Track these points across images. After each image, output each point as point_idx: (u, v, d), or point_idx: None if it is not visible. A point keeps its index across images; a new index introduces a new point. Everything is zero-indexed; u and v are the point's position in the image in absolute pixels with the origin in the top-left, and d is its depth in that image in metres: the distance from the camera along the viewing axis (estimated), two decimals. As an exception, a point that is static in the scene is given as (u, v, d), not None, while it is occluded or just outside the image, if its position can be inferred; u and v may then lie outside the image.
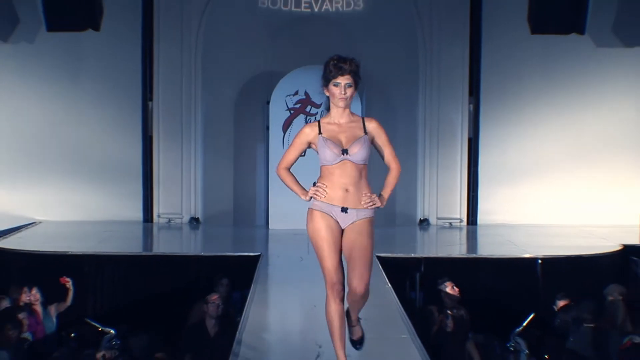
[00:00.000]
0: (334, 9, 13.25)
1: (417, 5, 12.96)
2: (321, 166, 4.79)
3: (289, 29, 13.19)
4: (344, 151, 4.67)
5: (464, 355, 8.76)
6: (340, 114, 4.78)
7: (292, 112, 12.76)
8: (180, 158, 13.11)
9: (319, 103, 12.46)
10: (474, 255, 11.17)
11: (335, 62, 4.71)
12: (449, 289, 9.30)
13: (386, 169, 4.81)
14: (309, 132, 4.83)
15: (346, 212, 4.72)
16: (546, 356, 8.26)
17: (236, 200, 13.56)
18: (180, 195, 13.12)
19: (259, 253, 10.39)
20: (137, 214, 13.10)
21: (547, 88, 13.08)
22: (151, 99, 13.07)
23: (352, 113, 4.83)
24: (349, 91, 4.71)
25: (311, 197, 4.78)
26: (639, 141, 13.06)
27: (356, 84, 4.75)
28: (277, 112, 12.78)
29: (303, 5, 13.26)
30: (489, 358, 8.88)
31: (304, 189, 4.84)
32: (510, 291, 10.10)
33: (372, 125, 4.79)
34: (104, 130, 13.02)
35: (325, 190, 4.72)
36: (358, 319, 5.27)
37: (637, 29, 12.98)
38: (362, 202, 4.71)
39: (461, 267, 10.30)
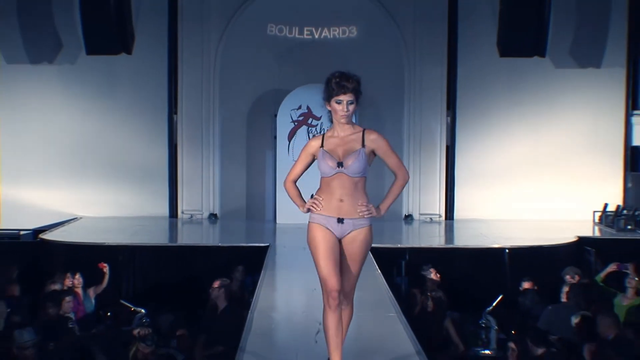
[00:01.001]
0: (331, 36, 13.29)
1: (403, 33, 12.98)
2: (320, 177, 4.43)
3: (293, 53, 13.21)
4: (339, 164, 4.30)
5: (443, 330, 8.76)
6: (342, 127, 4.41)
7: (295, 123, 12.77)
8: (201, 163, 13.12)
9: (318, 116, 12.52)
10: (451, 246, 11.18)
11: (337, 80, 4.34)
12: (431, 274, 9.33)
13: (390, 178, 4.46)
14: (314, 145, 4.44)
15: (342, 222, 4.35)
16: (512, 331, 8.25)
17: (248, 199, 13.57)
18: (200, 195, 13.13)
19: (268, 244, 10.44)
20: (164, 210, 13.10)
21: (513, 103, 13.09)
22: (176, 113, 13.08)
23: (354, 125, 4.45)
24: (351, 108, 4.34)
25: (308, 209, 4.42)
26: (591, 149, 13.04)
27: (357, 99, 4.38)
28: (283, 124, 12.79)
29: (305, 33, 13.29)
30: (464, 333, 8.88)
31: (304, 201, 4.47)
32: (482, 276, 10.11)
33: (371, 138, 4.37)
34: (136, 139, 13.03)
35: (320, 204, 4.35)
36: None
37: (590, 53, 13.00)
38: (358, 211, 4.32)
39: (440, 255, 10.29)
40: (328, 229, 4.36)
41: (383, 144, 4.37)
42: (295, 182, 4.55)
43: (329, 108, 4.42)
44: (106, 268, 9.30)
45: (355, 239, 4.37)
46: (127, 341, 7.30)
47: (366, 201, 4.34)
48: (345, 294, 4.44)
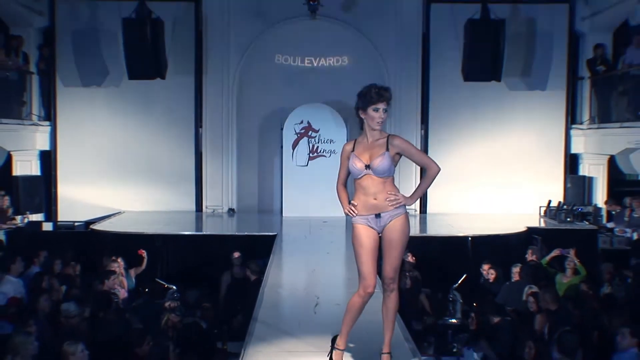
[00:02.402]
0: (327, 64, 13.25)
1: (385, 62, 12.95)
2: (354, 180, 4.14)
3: (296, 78, 13.19)
4: (367, 166, 4.04)
5: (418, 304, 8.78)
6: (371, 134, 4.09)
7: (298, 135, 12.76)
8: (221, 167, 13.09)
9: (317, 129, 12.55)
10: (425, 234, 11.12)
11: (377, 89, 4.03)
12: (408, 258, 9.33)
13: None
14: (347, 149, 4.16)
15: (379, 217, 4.07)
16: (474, 304, 8.26)
17: (260, 196, 13.53)
18: (221, 193, 13.09)
19: (276, 233, 10.41)
20: (191, 205, 13.05)
21: (474, 119, 13.08)
22: (201, 126, 13.06)
23: (381, 132, 4.12)
24: (385, 116, 4.04)
25: (347, 214, 4.12)
26: (538, 155, 13.00)
27: (388, 111, 4.10)
28: (288, 136, 12.78)
29: (306, 62, 13.26)
30: (435, 306, 8.90)
31: (348, 204, 4.15)
32: (450, 259, 10.12)
33: (395, 143, 4.08)
34: (168, 148, 13.00)
35: (356, 209, 4.08)
36: (390, 350, 4.26)
37: (536, 78, 13.01)
38: (388, 202, 4.06)
39: (416, 243, 10.25)
40: (370, 227, 4.11)
41: (406, 146, 4.11)
42: (344, 185, 4.24)
43: (362, 116, 4.11)
44: (144, 253, 9.30)
45: (394, 227, 4.10)
46: (159, 312, 7.31)
47: (395, 192, 4.10)
48: (390, 280, 4.14)
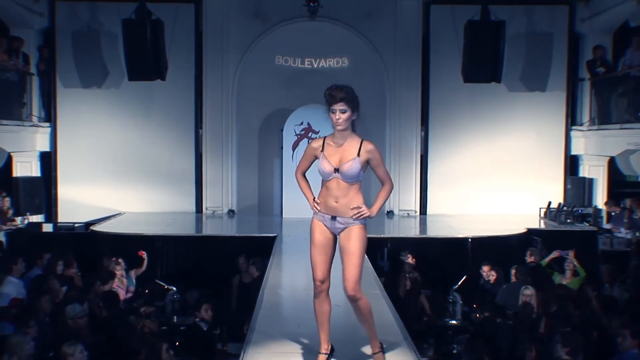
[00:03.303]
0: (327, 65, 13.29)
1: (385, 63, 12.99)
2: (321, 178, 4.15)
3: (296, 79, 13.21)
4: (336, 169, 3.99)
5: (418, 304, 8.78)
6: (340, 135, 4.02)
7: (298, 136, 12.79)
8: (221, 168, 13.09)
9: (317, 130, 12.55)
10: (424, 236, 11.16)
11: (329, 91, 3.97)
12: (408, 259, 9.34)
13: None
14: (315, 146, 4.12)
15: (335, 220, 4.06)
16: (474, 305, 8.28)
17: (260, 197, 13.56)
18: (221, 194, 13.09)
19: (276, 234, 10.45)
20: (191, 207, 13.06)
21: (475, 120, 13.11)
22: (201, 127, 13.07)
23: (353, 135, 4.05)
24: (343, 116, 3.94)
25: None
26: (538, 156, 13.04)
27: (352, 108, 3.97)
28: (288, 137, 12.81)
29: (306, 62, 13.30)
30: (435, 307, 8.89)
31: (313, 195, 4.21)
32: (450, 260, 10.13)
33: (367, 149, 3.99)
34: (168, 149, 13.01)
35: (318, 206, 4.11)
36: (380, 346, 4.29)
37: (536, 79, 13.04)
38: (351, 214, 4.01)
39: (416, 244, 10.29)
40: (325, 225, 4.13)
41: (377, 156, 4.04)
42: (303, 174, 4.27)
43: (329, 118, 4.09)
44: (144, 255, 9.29)
45: (348, 236, 4.07)
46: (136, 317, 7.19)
47: (361, 202, 4.04)
48: (351, 292, 4.05)
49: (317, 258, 4.14)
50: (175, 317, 8.10)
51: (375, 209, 4.09)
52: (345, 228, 4.10)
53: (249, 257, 9.11)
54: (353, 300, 4.10)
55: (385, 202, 4.18)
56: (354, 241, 4.06)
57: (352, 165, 3.98)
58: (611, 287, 8.14)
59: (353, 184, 4.04)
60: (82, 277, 8.54)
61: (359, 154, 3.99)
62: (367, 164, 4.05)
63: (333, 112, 3.98)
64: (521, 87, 13.03)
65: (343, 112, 3.96)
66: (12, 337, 5.36)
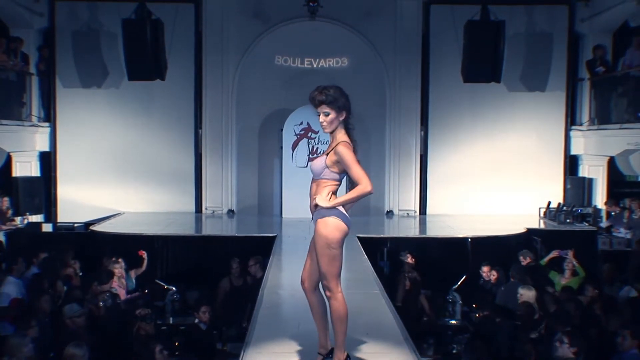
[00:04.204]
0: (327, 65, 13.30)
1: (385, 63, 12.99)
2: None
3: (296, 79, 13.20)
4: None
5: (417, 304, 8.79)
6: (330, 136, 3.97)
7: (298, 136, 12.78)
8: (221, 168, 13.10)
9: (316, 130, 12.54)
10: (424, 236, 11.17)
11: (311, 94, 3.94)
12: (408, 259, 9.34)
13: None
14: None
15: (312, 218, 3.98)
16: (474, 305, 8.28)
17: (260, 197, 13.56)
18: (221, 194, 13.10)
19: (276, 234, 10.43)
20: (191, 207, 13.06)
21: (474, 120, 13.12)
22: (200, 127, 13.07)
23: (341, 135, 3.92)
24: (327, 119, 3.86)
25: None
26: (537, 156, 13.05)
27: (336, 109, 3.86)
28: (288, 137, 12.80)
29: (306, 62, 13.31)
30: (435, 307, 8.90)
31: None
32: (449, 260, 10.12)
33: (337, 149, 3.83)
34: (168, 149, 13.01)
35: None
36: (321, 354, 4.17)
37: (536, 79, 13.04)
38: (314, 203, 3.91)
39: (415, 244, 10.29)
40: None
41: (344, 157, 3.79)
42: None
43: None
44: (144, 255, 9.29)
45: (315, 230, 3.96)
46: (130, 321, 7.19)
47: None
48: (324, 287, 3.97)
49: (306, 260, 4.12)
50: (174, 318, 8.09)
51: (335, 201, 3.85)
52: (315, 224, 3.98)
53: (243, 260, 9.09)
54: (327, 298, 4.01)
55: (352, 200, 3.83)
56: (316, 235, 3.93)
57: (316, 162, 3.92)
58: (611, 286, 8.14)
59: (320, 181, 3.91)
60: (81, 277, 8.54)
61: (327, 153, 3.91)
62: (337, 164, 3.87)
63: (318, 115, 3.94)
64: (521, 87, 13.03)
65: (326, 114, 3.89)
66: (11, 338, 5.36)
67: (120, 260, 8.70)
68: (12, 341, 5.29)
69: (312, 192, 3.97)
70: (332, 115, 3.88)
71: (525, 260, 9.21)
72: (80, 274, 8.60)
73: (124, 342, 6.06)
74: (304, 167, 12.65)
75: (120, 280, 8.45)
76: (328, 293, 3.95)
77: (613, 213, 11.39)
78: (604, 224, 11.20)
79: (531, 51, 12.94)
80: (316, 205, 3.89)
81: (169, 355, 6.06)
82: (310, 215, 4.01)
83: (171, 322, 8.01)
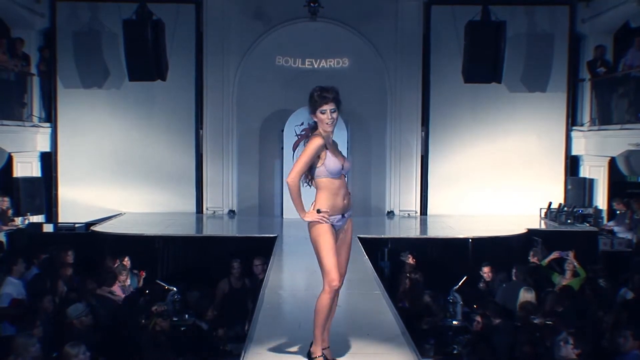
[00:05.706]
0: (328, 66, 13.30)
1: (385, 64, 13.00)
2: (319, 179, 4.07)
3: (297, 80, 13.17)
4: (342, 167, 4.02)
5: (418, 305, 8.76)
6: (328, 135, 4.05)
7: (298, 137, 12.58)
8: (222, 168, 13.11)
9: (317, 131, 12.49)
10: (425, 236, 11.16)
11: (319, 92, 4.00)
12: (409, 259, 9.34)
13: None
14: (322, 145, 4.07)
15: (344, 217, 4.12)
16: (474, 305, 8.27)
17: (260, 198, 13.56)
18: (221, 194, 13.11)
19: (276, 235, 10.44)
20: (192, 207, 13.07)
21: (475, 121, 13.12)
22: (201, 128, 13.08)
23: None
24: (335, 116, 3.98)
25: (315, 221, 4.02)
26: (538, 157, 13.06)
27: (339, 107, 4.00)
28: (289, 137, 12.74)
29: (307, 63, 13.31)
30: (436, 307, 8.87)
31: (303, 206, 4.10)
32: (450, 261, 10.12)
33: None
34: (169, 149, 13.02)
35: (327, 218, 4.00)
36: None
37: (537, 80, 13.05)
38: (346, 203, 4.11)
39: (416, 244, 10.29)
40: (333, 225, 4.03)
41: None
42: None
43: (315, 119, 4.08)
44: (143, 274, 9.21)
45: (348, 227, 4.13)
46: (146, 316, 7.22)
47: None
48: (343, 277, 4.09)
49: (334, 260, 3.98)
50: (175, 317, 8.09)
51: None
52: (346, 221, 4.11)
53: (244, 260, 9.09)
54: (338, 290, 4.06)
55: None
56: (351, 232, 4.16)
57: (348, 161, 4.07)
58: (612, 287, 8.13)
59: (342, 176, 4.09)
60: (82, 277, 8.54)
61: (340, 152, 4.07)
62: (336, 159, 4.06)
63: (323, 113, 3.98)
64: (522, 87, 13.03)
65: (333, 111, 3.98)
66: (17, 338, 5.37)
67: (126, 259, 8.71)
68: (19, 341, 5.29)
69: (342, 190, 4.04)
70: (337, 113, 4.01)
71: (533, 257, 9.30)
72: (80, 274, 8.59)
73: (131, 341, 6.06)
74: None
75: (124, 281, 8.44)
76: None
77: (619, 211, 11.34)
78: (611, 223, 11.20)
79: (532, 52, 12.94)
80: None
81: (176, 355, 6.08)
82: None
83: (175, 321, 7.99)
